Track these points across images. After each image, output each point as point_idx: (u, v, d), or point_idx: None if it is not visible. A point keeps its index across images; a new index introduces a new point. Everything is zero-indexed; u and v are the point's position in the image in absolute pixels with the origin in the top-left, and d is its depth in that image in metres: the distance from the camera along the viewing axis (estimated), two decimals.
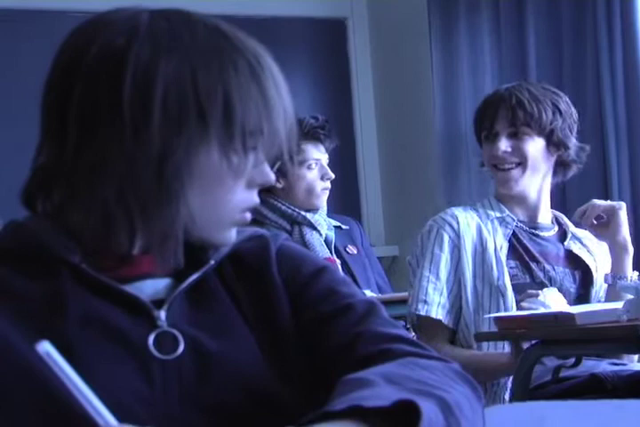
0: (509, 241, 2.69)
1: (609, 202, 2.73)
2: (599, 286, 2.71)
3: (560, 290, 2.55)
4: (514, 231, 2.71)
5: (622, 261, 2.66)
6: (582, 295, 2.70)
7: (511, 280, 2.63)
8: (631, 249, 2.68)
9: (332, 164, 3.52)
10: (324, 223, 3.46)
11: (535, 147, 2.67)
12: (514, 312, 2.49)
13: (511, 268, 2.65)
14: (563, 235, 2.77)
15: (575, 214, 2.70)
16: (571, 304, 2.58)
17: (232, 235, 1.16)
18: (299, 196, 3.43)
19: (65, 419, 1.01)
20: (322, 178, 3.45)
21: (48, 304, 1.09)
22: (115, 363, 1.07)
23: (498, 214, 2.72)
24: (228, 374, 1.10)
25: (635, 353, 2.62)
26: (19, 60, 4.25)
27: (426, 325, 2.65)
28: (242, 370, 1.11)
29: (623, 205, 2.70)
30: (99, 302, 1.10)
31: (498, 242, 2.66)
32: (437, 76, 4.51)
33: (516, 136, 2.68)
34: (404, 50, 4.83)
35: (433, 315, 2.62)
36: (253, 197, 1.15)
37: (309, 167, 3.43)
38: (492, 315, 2.45)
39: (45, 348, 0.88)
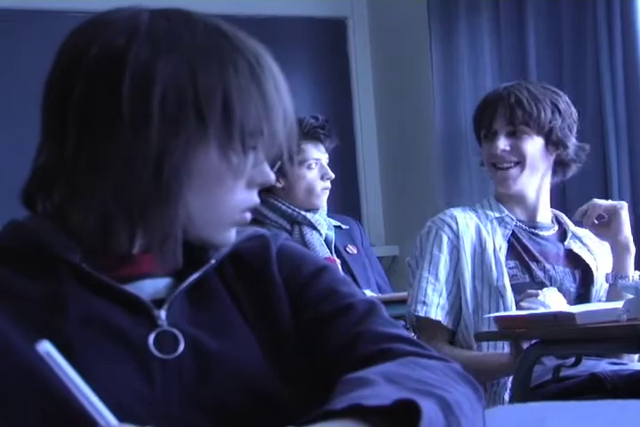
0: (509, 241, 2.69)
1: (610, 201, 2.73)
2: (599, 285, 2.71)
3: (560, 289, 2.55)
4: (513, 231, 2.70)
5: (624, 261, 2.66)
6: (582, 295, 2.70)
7: (511, 280, 2.62)
8: (633, 248, 2.68)
9: (332, 164, 3.52)
10: (324, 223, 3.46)
11: (534, 146, 2.67)
12: (514, 312, 2.49)
13: (510, 268, 2.65)
14: (563, 234, 2.77)
15: (576, 214, 2.70)
16: (571, 304, 2.57)
17: (232, 235, 1.16)
18: (299, 195, 3.44)
19: (65, 419, 1.01)
20: (322, 178, 3.45)
21: (48, 304, 1.09)
22: (115, 362, 1.07)
23: (497, 215, 2.72)
24: (229, 374, 1.10)
25: (635, 353, 2.62)
26: (19, 61, 4.25)
27: (425, 326, 2.64)
28: (242, 369, 1.11)
29: (624, 204, 2.70)
30: (99, 301, 1.10)
31: (497, 242, 2.66)
32: (437, 76, 4.51)
33: (514, 135, 2.67)
34: (404, 50, 4.83)
35: (432, 316, 2.61)
36: (253, 197, 1.15)
37: (309, 167, 3.43)
38: (492, 315, 2.45)
39: (45, 347, 0.88)
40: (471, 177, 4.35)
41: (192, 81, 1.08)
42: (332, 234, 3.48)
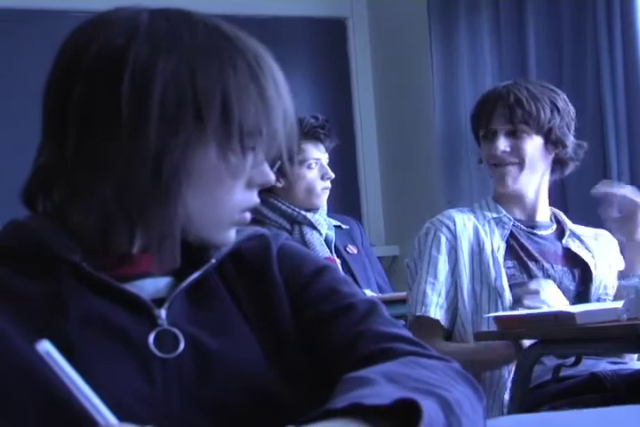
0: (507, 241, 2.68)
1: (632, 196, 2.65)
2: (598, 282, 2.70)
3: (559, 288, 2.55)
4: (511, 231, 2.70)
5: (638, 260, 2.64)
6: (582, 293, 2.69)
7: (509, 280, 2.62)
8: None
9: (332, 163, 3.52)
10: (324, 223, 3.46)
11: (533, 145, 2.67)
12: (513, 311, 2.49)
13: (509, 268, 2.65)
14: (561, 233, 2.77)
15: (597, 188, 2.59)
16: (570, 302, 2.57)
17: (232, 235, 1.16)
18: (299, 195, 3.44)
19: (65, 419, 1.01)
20: (322, 177, 3.45)
21: (48, 304, 1.09)
22: (115, 362, 1.07)
23: (494, 215, 2.72)
24: (229, 373, 1.10)
25: (635, 352, 2.62)
26: (19, 60, 4.25)
27: (423, 324, 2.64)
28: (242, 369, 1.11)
29: None
30: (99, 301, 1.10)
31: (495, 243, 2.66)
32: (437, 76, 4.51)
33: (514, 135, 2.67)
34: (404, 50, 4.83)
35: (431, 315, 2.61)
36: (253, 198, 1.15)
37: (309, 167, 3.43)
38: (492, 314, 2.45)
39: (45, 347, 0.89)
40: (471, 177, 4.35)
41: (191, 81, 1.08)
42: (332, 234, 3.48)
